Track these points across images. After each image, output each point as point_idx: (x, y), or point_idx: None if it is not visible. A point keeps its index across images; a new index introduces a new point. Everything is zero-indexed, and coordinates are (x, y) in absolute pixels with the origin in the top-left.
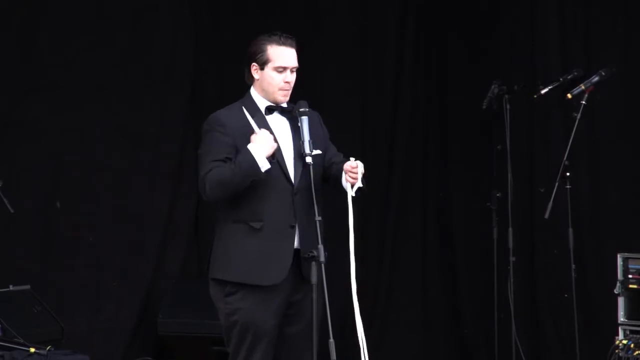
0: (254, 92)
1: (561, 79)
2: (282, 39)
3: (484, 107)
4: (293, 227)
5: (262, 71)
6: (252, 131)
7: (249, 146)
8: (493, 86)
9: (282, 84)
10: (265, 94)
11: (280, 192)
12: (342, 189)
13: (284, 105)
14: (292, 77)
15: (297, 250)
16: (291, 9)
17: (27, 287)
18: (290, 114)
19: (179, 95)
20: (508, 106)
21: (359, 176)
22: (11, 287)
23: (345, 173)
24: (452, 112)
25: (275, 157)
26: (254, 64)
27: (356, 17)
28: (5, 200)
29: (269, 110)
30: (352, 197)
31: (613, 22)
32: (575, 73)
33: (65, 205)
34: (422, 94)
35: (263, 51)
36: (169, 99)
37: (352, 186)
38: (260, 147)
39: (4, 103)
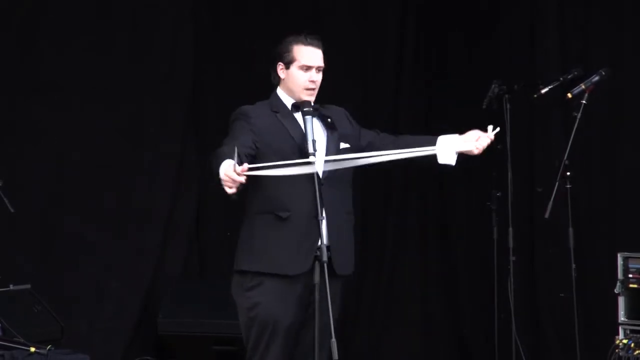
0: (280, 91)
1: (561, 79)
2: (308, 39)
3: (484, 107)
4: (319, 219)
5: (287, 70)
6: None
7: (226, 161)
8: (493, 86)
9: (307, 83)
10: (291, 92)
11: (306, 184)
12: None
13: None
14: (317, 77)
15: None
16: (291, 9)
17: (27, 286)
18: (317, 112)
19: (179, 95)
20: (508, 106)
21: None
22: (11, 287)
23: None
24: (452, 111)
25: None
26: (280, 63)
27: (356, 17)
28: (6, 200)
29: (295, 108)
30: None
31: (613, 22)
32: (575, 73)
33: (65, 205)
34: (422, 94)
35: (289, 51)
36: (169, 99)
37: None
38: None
39: (4, 103)
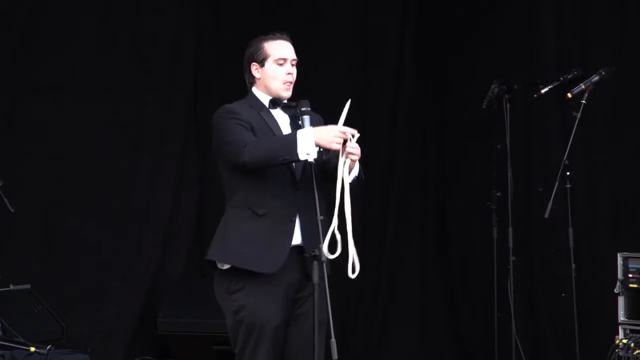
0: (256, 90)
1: (561, 79)
2: (276, 34)
3: (483, 106)
4: (293, 221)
5: (262, 68)
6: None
7: (307, 129)
8: (493, 86)
9: (285, 76)
10: (268, 90)
11: (283, 186)
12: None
13: (285, 101)
14: (293, 70)
15: (300, 248)
16: (291, 9)
17: (27, 286)
18: (292, 110)
19: (180, 96)
20: (508, 106)
21: (356, 157)
22: (11, 287)
23: (345, 155)
24: (452, 111)
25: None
26: (253, 63)
27: (356, 17)
28: (6, 200)
29: (273, 103)
30: (350, 184)
31: (612, 21)
32: (575, 73)
33: (65, 205)
34: (422, 93)
35: (261, 48)
36: (170, 100)
37: (350, 170)
38: (317, 134)
39: (5, 103)
